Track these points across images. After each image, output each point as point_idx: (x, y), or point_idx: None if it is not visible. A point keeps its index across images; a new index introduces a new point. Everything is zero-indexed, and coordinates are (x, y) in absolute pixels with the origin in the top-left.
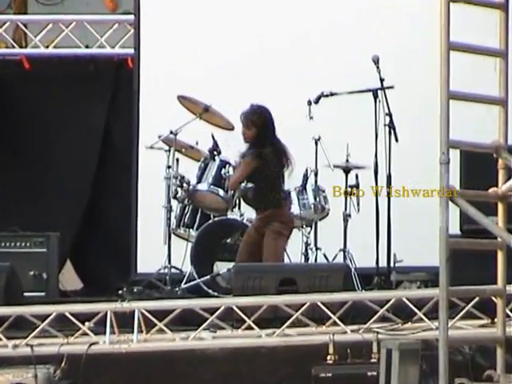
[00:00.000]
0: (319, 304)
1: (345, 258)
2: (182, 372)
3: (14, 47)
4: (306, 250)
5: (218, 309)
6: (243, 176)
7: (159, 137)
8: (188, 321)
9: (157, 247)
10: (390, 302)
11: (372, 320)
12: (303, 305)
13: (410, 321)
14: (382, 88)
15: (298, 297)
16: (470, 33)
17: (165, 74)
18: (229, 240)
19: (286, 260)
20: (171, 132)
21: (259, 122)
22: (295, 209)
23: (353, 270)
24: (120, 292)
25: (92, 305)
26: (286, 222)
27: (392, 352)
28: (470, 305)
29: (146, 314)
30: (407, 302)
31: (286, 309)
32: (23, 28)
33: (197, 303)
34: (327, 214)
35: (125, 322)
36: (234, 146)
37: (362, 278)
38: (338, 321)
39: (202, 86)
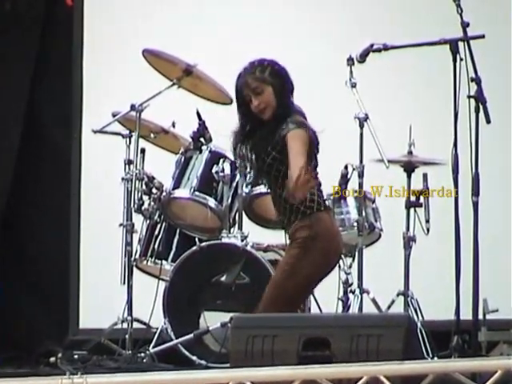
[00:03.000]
0: (382, 379)
1: (406, 305)
2: None
3: None
4: (346, 293)
5: None
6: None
7: (114, 115)
8: None
9: (110, 289)
10: (495, 376)
11: None
12: (358, 380)
13: None
14: (466, 39)
15: (352, 367)
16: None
17: (124, 17)
18: (223, 278)
19: (314, 309)
20: (133, 107)
21: (274, 78)
22: None
23: (419, 324)
24: (52, 360)
25: (24, 381)
26: (327, 236)
27: None
28: None
29: None
30: None
31: None
32: None
33: (191, 377)
34: (379, 236)
35: None
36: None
37: (433, 338)
38: None
39: (182, 38)
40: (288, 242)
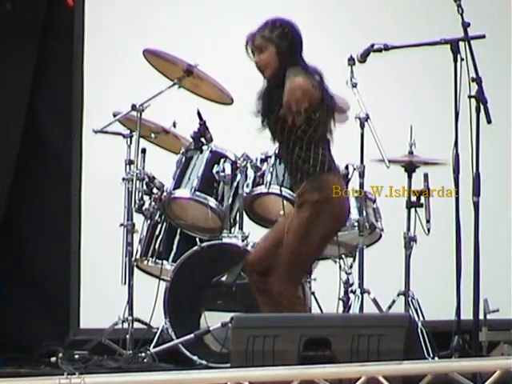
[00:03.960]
0: (381, 379)
1: (407, 305)
2: None
3: None
4: (347, 293)
5: None
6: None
7: (115, 115)
8: None
9: (111, 289)
10: (494, 376)
11: None
12: (357, 380)
13: None
14: (467, 39)
15: (350, 367)
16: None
17: (125, 17)
18: (224, 278)
19: (315, 309)
20: (134, 107)
21: (281, 39)
22: None
23: (420, 324)
24: (53, 360)
25: (22, 381)
26: (337, 198)
27: None
28: None
29: None
30: None
31: None
32: None
33: (189, 377)
34: (379, 236)
35: None
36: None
37: (434, 338)
38: None
39: (183, 38)
40: (296, 202)
